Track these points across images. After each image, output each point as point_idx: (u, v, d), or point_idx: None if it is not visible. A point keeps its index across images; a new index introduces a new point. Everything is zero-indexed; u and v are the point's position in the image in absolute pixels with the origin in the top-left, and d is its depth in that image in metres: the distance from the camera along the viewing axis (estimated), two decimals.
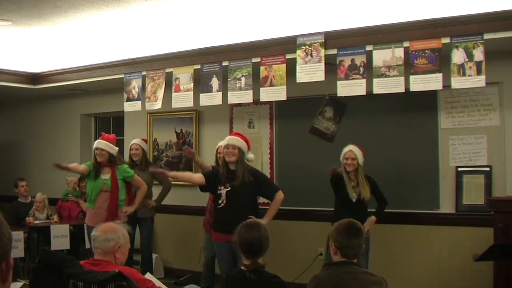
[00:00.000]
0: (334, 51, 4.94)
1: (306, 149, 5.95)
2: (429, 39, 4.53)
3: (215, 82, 5.62)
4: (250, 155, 4.74)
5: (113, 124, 8.06)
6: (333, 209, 4.97)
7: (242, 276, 2.90)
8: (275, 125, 6.22)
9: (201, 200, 6.24)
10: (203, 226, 5.63)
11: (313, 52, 4.99)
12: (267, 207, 4.68)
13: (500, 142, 5.00)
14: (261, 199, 4.99)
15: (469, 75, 4.38)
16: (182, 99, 5.84)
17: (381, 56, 4.71)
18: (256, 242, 2.88)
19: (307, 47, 5.02)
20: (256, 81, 5.38)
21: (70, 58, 6.68)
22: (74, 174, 7.07)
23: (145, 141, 6.27)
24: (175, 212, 6.66)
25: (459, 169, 5.15)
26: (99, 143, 5.37)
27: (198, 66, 5.73)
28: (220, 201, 4.62)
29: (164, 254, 6.80)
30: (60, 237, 5.98)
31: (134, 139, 6.15)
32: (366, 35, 4.80)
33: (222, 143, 5.22)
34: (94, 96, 7.70)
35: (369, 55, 4.77)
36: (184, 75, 5.86)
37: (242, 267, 2.92)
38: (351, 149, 4.87)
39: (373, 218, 4.87)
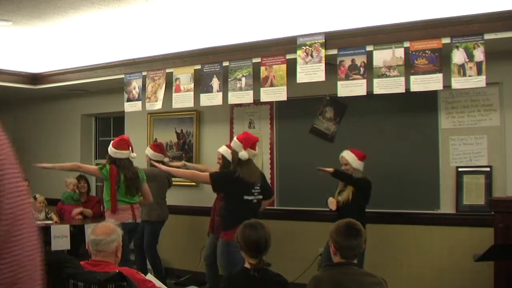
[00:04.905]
0: (334, 51, 4.94)
1: (306, 149, 5.95)
2: (429, 39, 4.53)
3: (215, 83, 5.62)
4: (242, 153, 4.53)
5: (114, 124, 8.06)
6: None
7: (245, 275, 2.91)
8: (276, 126, 6.22)
9: (201, 200, 6.25)
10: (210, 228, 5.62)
11: (313, 52, 4.99)
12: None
13: (501, 142, 4.99)
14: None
15: (469, 76, 4.37)
16: (183, 100, 5.84)
17: (382, 56, 4.71)
18: (263, 240, 2.91)
19: (307, 47, 5.02)
20: (257, 82, 5.38)
21: (71, 58, 6.69)
22: (73, 174, 7.09)
23: (152, 146, 6.29)
24: (176, 212, 6.66)
25: (460, 169, 5.15)
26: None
27: (199, 66, 5.73)
28: None
29: (164, 254, 6.79)
30: (60, 237, 5.98)
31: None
32: (367, 35, 4.80)
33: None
34: (94, 96, 7.70)
35: (370, 55, 4.77)
36: (184, 75, 5.86)
37: (246, 266, 2.93)
38: (343, 155, 4.99)
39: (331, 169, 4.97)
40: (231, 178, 4.55)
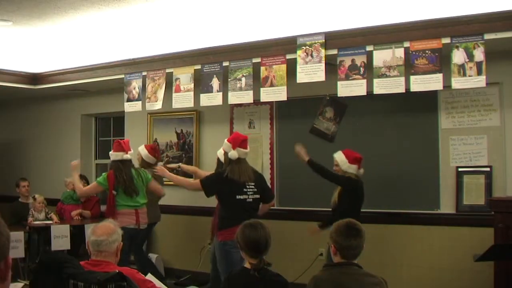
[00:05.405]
0: (334, 51, 4.94)
1: (306, 149, 5.94)
2: (429, 39, 4.53)
3: (215, 83, 5.62)
4: (231, 152, 4.57)
5: (114, 124, 8.06)
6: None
7: (245, 275, 2.91)
8: (276, 126, 6.22)
9: (201, 200, 6.23)
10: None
11: (313, 52, 4.99)
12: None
13: (501, 142, 5.00)
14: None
15: (469, 76, 4.38)
16: (183, 100, 5.85)
17: (382, 56, 4.71)
18: (263, 240, 2.91)
19: (307, 47, 5.02)
20: (257, 82, 5.38)
21: (71, 58, 6.68)
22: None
23: (148, 147, 6.20)
24: (175, 212, 6.67)
25: (460, 169, 5.15)
26: None
27: (199, 66, 5.73)
28: None
29: (164, 254, 6.80)
30: (60, 238, 5.98)
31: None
32: (367, 35, 4.80)
33: None
34: (94, 96, 7.70)
35: (370, 55, 4.77)
36: (184, 75, 5.86)
37: (246, 266, 2.93)
38: (334, 156, 4.94)
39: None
40: (221, 179, 4.58)
